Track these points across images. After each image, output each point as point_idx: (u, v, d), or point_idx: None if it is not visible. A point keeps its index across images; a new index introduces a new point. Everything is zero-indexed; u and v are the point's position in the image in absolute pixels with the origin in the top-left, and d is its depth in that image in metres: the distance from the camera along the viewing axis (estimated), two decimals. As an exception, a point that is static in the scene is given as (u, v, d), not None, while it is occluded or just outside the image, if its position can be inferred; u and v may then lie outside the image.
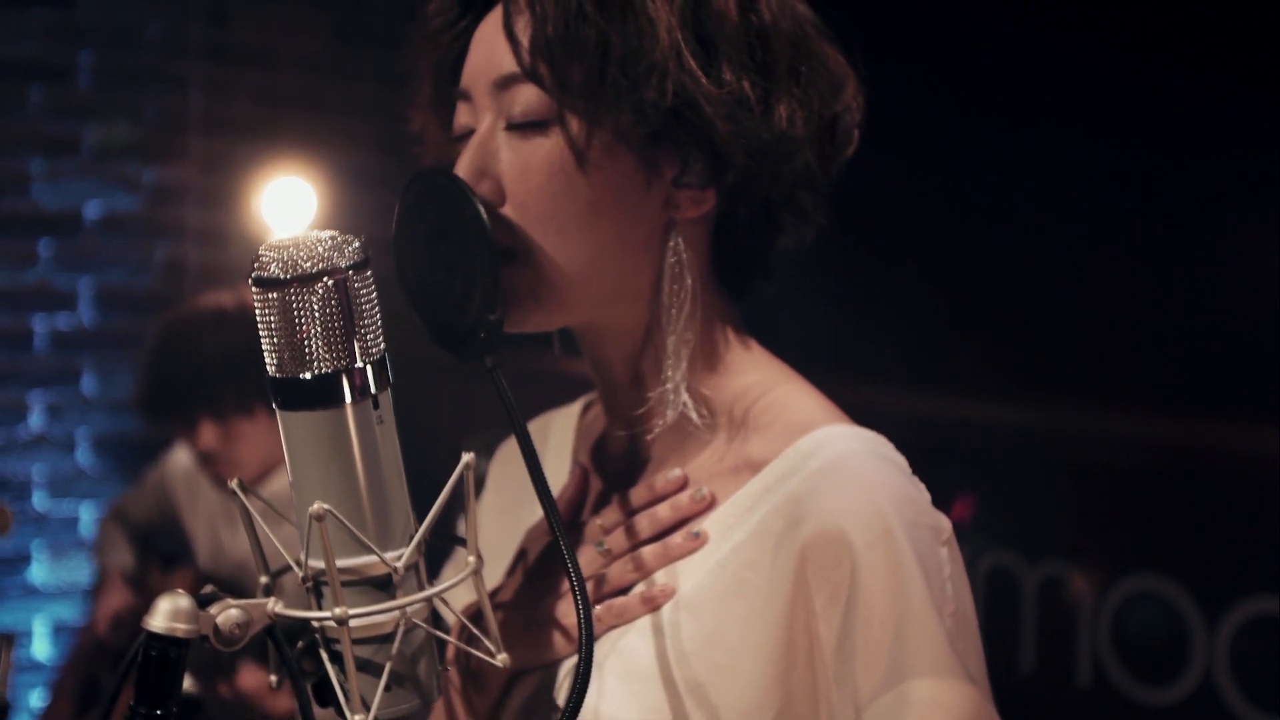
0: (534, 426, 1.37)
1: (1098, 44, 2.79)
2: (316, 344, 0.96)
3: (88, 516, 4.19)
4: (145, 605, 3.18)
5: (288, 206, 4.13)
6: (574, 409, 1.35)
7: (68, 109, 4.11)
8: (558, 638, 1.13)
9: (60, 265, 4.14)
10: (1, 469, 4.10)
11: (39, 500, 4.14)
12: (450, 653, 1.13)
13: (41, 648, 4.14)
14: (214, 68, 4.28)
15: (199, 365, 2.91)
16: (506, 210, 1.10)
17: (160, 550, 3.24)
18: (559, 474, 1.30)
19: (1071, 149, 2.82)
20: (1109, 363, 2.78)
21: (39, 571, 4.14)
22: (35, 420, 4.14)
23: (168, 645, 0.95)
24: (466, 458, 1.02)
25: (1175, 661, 2.68)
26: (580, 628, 1.01)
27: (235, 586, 3.00)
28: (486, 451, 3.40)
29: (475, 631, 1.05)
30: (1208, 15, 2.59)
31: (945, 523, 1.08)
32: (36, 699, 4.03)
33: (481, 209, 1.05)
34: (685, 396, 1.12)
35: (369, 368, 0.98)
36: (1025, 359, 2.91)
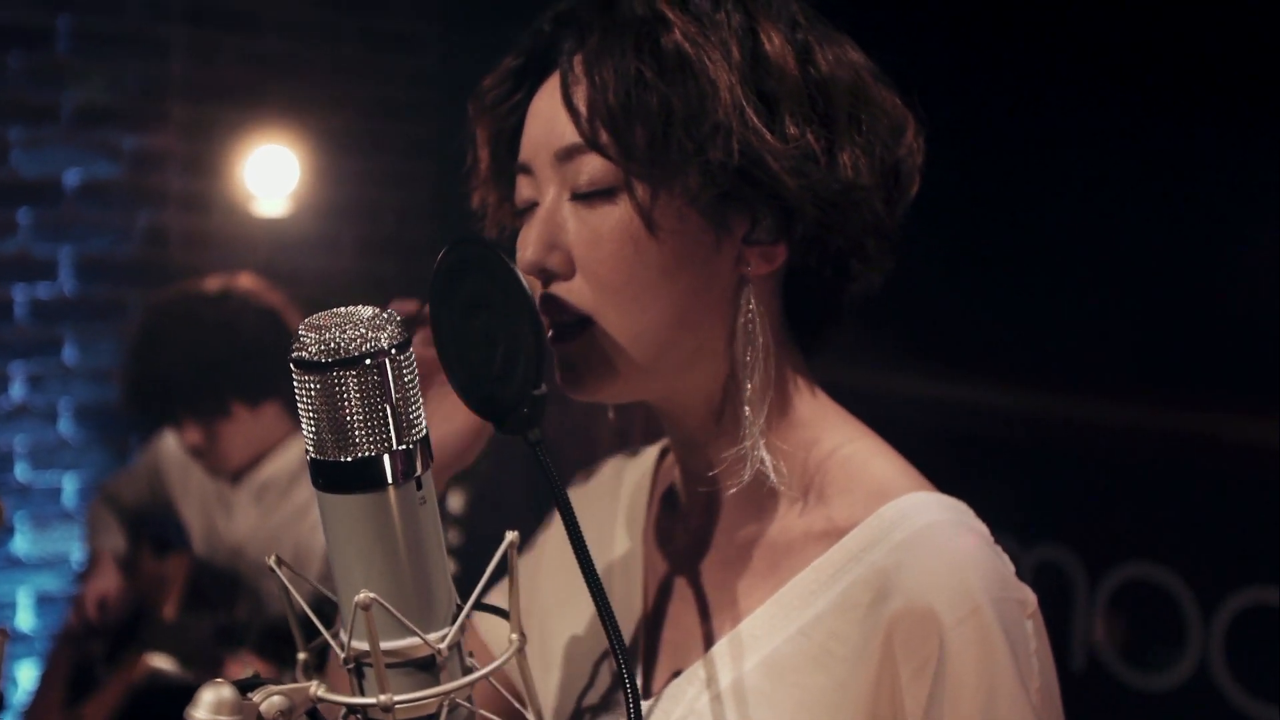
0: (604, 471, 1.35)
1: (1091, 36, 2.76)
2: (358, 427, 0.93)
3: (70, 487, 4.16)
4: (133, 588, 3.11)
5: (271, 173, 4.08)
6: (648, 457, 1.33)
7: (47, 75, 4.03)
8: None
9: (40, 234, 4.08)
10: (-17, 440, 4.07)
11: (21, 471, 4.11)
12: None
13: (25, 619, 4.12)
14: (196, 32, 4.20)
15: (172, 367, 2.87)
16: (577, 281, 1.08)
17: (152, 533, 3.21)
18: (635, 524, 1.28)
19: (1069, 146, 2.81)
20: (1113, 354, 2.77)
21: (22, 543, 4.11)
22: (16, 391, 4.09)
23: (211, 737, 0.93)
24: (510, 536, 1.00)
25: (1171, 649, 2.70)
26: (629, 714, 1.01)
27: (229, 572, 2.98)
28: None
29: (520, 708, 1.04)
30: (1206, 15, 2.58)
31: (1030, 596, 1.07)
32: (21, 671, 4.02)
33: (523, 279, 1.02)
34: (764, 453, 1.11)
35: (411, 448, 0.95)
36: (1035, 350, 2.91)
